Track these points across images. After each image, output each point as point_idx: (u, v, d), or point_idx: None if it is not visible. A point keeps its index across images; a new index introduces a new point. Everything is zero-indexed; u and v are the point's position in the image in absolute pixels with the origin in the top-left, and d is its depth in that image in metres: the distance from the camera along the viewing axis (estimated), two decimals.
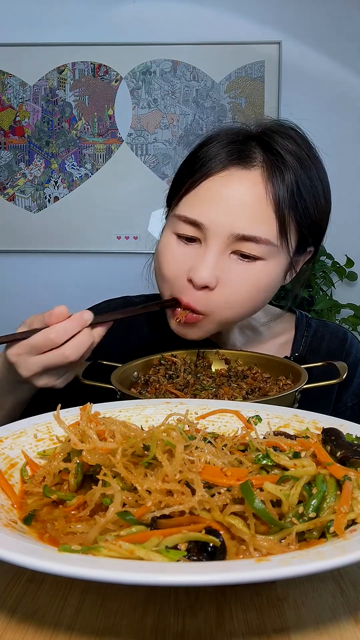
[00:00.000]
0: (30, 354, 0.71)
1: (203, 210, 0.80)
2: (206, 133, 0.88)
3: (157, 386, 0.81)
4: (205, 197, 0.80)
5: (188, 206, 0.81)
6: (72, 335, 0.71)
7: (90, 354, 0.75)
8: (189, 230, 0.81)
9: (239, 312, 0.83)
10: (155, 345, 0.94)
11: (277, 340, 1.00)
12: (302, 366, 0.81)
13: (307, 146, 0.85)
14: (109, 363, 0.87)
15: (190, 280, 0.80)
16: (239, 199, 0.79)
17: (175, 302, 0.83)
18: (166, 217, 0.92)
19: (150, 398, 0.77)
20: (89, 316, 0.72)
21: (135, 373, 0.86)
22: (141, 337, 1.02)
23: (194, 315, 0.82)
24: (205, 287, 0.79)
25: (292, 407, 0.74)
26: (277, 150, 0.81)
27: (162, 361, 0.88)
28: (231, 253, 0.80)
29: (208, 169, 0.80)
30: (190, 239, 0.82)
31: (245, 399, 0.78)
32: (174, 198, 0.87)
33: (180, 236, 0.83)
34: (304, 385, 0.74)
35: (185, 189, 0.82)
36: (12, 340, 0.72)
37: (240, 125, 0.88)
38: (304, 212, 0.82)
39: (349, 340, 1.00)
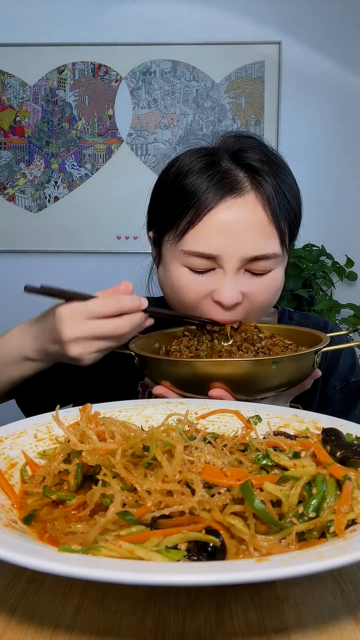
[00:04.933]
0: (85, 316, 0.71)
1: (213, 243, 0.84)
2: (173, 157, 0.93)
3: (178, 355, 0.83)
4: (211, 230, 0.84)
5: (196, 241, 0.85)
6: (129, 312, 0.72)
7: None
8: (203, 264, 0.86)
9: (264, 312, 0.94)
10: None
11: None
12: (331, 334, 0.82)
13: (268, 149, 0.91)
14: (122, 351, 0.87)
15: (218, 302, 0.86)
16: (243, 225, 0.84)
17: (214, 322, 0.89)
18: (154, 242, 0.96)
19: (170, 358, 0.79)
20: (145, 302, 0.73)
21: (157, 344, 0.89)
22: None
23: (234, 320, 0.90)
24: (235, 305, 0.87)
25: (311, 369, 0.76)
26: (255, 167, 0.86)
27: (185, 332, 0.90)
28: (245, 270, 0.87)
29: (205, 204, 0.84)
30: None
31: (257, 355, 0.81)
32: (166, 228, 0.90)
33: (193, 268, 0.87)
34: (324, 347, 0.74)
35: (186, 224, 0.86)
36: (71, 297, 0.72)
37: (203, 143, 0.93)
38: (291, 213, 0.89)
39: (330, 328, 1.06)
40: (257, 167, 0.86)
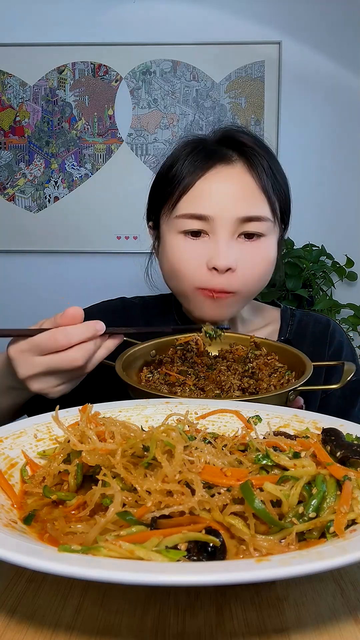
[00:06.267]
0: (33, 352, 0.67)
1: (206, 204, 0.88)
2: (169, 153, 0.97)
3: (170, 367, 0.83)
4: (204, 193, 0.88)
5: (189, 204, 0.89)
6: (81, 342, 0.67)
7: (96, 366, 0.72)
8: (196, 225, 0.88)
9: (258, 285, 0.94)
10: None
11: (264, 330, 1.07)
12: (316, 363, 0.79)
13: (260, 140, 0.96)
14: (129, 340, 0.87)
15: (213, 269, 0.87)
16: (233, 188, 0.88)
17: (195, 328, 0.87)
18: (152, 228, 1.00)
19: (157, 379, 0.79)
20: (101, 327, 0.69)
21: (153, 351, 0.89)
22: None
23: (227, 293, 0.89)
24: (228, 270, 0.87)
25: (284, 404, 0.71)
26: (246, 144, 0.91)
27: (183, 343, 0.90)
28: (238, 236, 0.89)
29: (196, 173, 0.88)
30: (196, 233, 0.89)
31: (242, 378, 0.79)
32: (161, 207, 0.94)
33: (186, 233, 0.90)
34: (298, 386, 0.71)
35: (179, 194, 0.90)
36: (17, 335, 0.68)
37: (198, 135, 0.97)
38: (280, 192, 0.93)
39: (332, 326, 1.07)
40: (245, 142, 0.91)
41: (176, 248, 0.90)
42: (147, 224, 1.02)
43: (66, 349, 0.67)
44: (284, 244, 1.04)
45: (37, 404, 0.93)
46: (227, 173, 0.88)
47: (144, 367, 0.84)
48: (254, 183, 0.88)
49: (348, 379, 0.72)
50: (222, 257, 0.86)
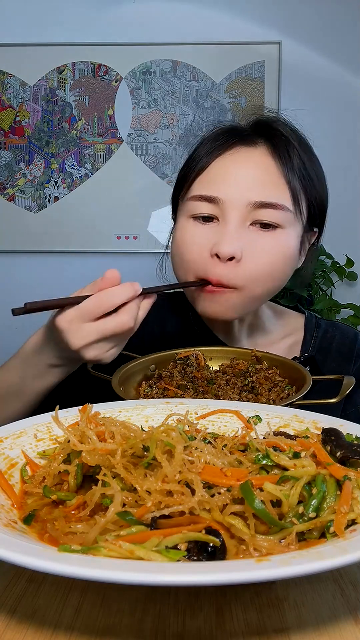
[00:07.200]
0: (83, 320, 0.65)
1: (218, 186, 0.82)
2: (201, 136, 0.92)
3: (169, 381, 0.81)
4: (218, 175, 0.83)
5: (202, 186, 0.83)
6: (124, 303, 0.67)
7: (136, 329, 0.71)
8: (206, 209, 0.82)
9: (267, 285, 0.84)
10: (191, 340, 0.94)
11: (286, 341, 1.00)
12: (316, 377, 0.76)
13: (298, 132, 0.90)
14: (127, 353, 0.85)
15: (216, 255, 0.80)
16: (250, 171, 0.82)
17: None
18: (174, 217, 0.94)
19: (155, 394, 0.78)
20: (138, 287, 0.68)
21: (152, 366, 0.86)
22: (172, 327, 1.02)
23: (226, 288, 0.82)
24: (232, 259, 0.80)
25: None
26: (278, 130, 0.85)
27: (183, 357, 0.88)
28: (250, 224, 0.81)
29: (215, 152, 0.83)
30: (207, 219, 0.83)
31: (240, 393, 0.78)
32: (181, 191, 0.89)
33: (196, 218, 0.84)
34: (294, 401, 0.69)
35: (195, 174, 0.84)
36: (60, 305, 0.66)
37: (232, 123, 0.92)
38: (311, 186, 0.85)
39: (359, 342, 0.99)
40: (275, 126, 0.86)
41: (184, 232, 0.84)
42: (171, 215, 0.97)
43: (113, 311, 0.66)
44: (316, 252, 0.95)
45: (57, 398, 0.92)
46: (246, 155, 0.82)
47: (143, 382, 0.83)
48: (274, 167, 0.81)
49: (347, 392, 0.70)
50: (226, 243, 0.78)
